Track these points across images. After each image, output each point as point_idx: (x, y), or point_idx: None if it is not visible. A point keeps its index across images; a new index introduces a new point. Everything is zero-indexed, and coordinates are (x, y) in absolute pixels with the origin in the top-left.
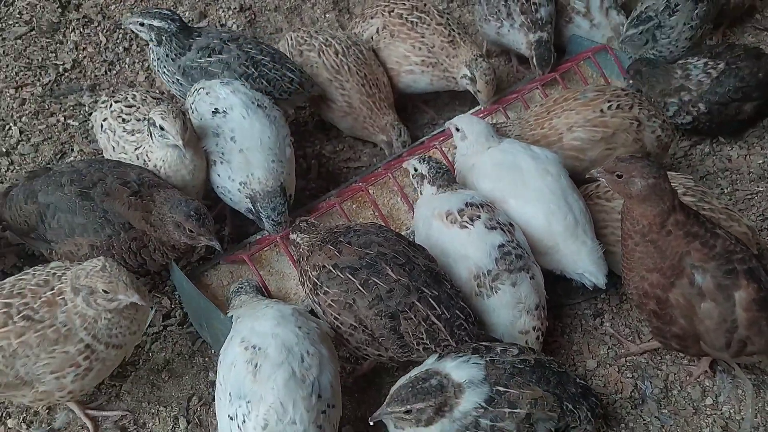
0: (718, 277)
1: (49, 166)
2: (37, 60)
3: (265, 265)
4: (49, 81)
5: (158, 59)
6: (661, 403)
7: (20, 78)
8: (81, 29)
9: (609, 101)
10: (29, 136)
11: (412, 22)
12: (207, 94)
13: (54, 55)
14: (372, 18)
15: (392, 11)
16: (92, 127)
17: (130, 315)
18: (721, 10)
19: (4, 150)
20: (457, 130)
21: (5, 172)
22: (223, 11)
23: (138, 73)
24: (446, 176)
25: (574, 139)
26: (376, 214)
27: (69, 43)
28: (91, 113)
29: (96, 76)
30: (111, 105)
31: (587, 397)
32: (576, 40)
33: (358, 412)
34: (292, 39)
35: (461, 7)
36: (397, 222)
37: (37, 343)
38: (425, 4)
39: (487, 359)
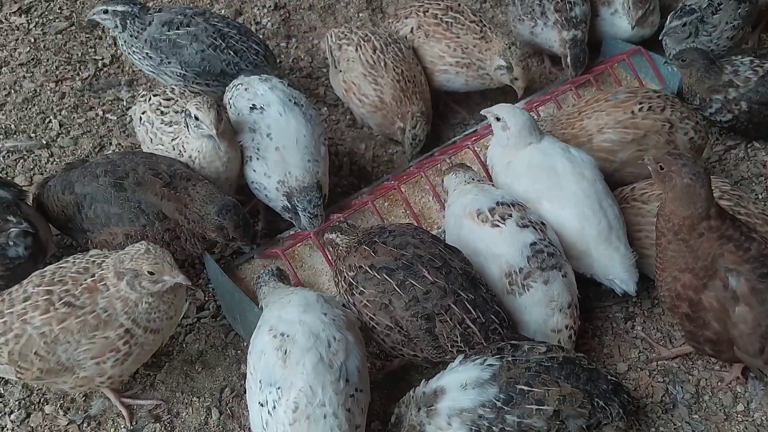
0: (752, 280)
1: (85, 158)
2: (77, 55)
3: (298, 260)
4: (89, 76)
5: (125, 43)
6: (692, 409)
7: (60, 72)
8: None
9: (640, 103)
10: (69, 129)
11: (447, 22)
12: (246, 90)
13: (93, 50)
14: (406, 18)
15: (427, 11)
16: (130, 121)
17: (169, 299)
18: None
19: (45, 142)
20: (498, 119)
21: (45, 163)
22: (258, 9)
23: None
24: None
25: (604, 141)
26: (408, 212)
27: (108, 38)
28: (129, 108)
29: (134, 71)
30: (150, 98)
31: (619, 393)
32: (610, 42)
33: (387, 408)
34: (333, 35)
35: (494, 8)
36: (429, 221)
37: (78, 329)
38: (459, 5)
39: (509, 359)
